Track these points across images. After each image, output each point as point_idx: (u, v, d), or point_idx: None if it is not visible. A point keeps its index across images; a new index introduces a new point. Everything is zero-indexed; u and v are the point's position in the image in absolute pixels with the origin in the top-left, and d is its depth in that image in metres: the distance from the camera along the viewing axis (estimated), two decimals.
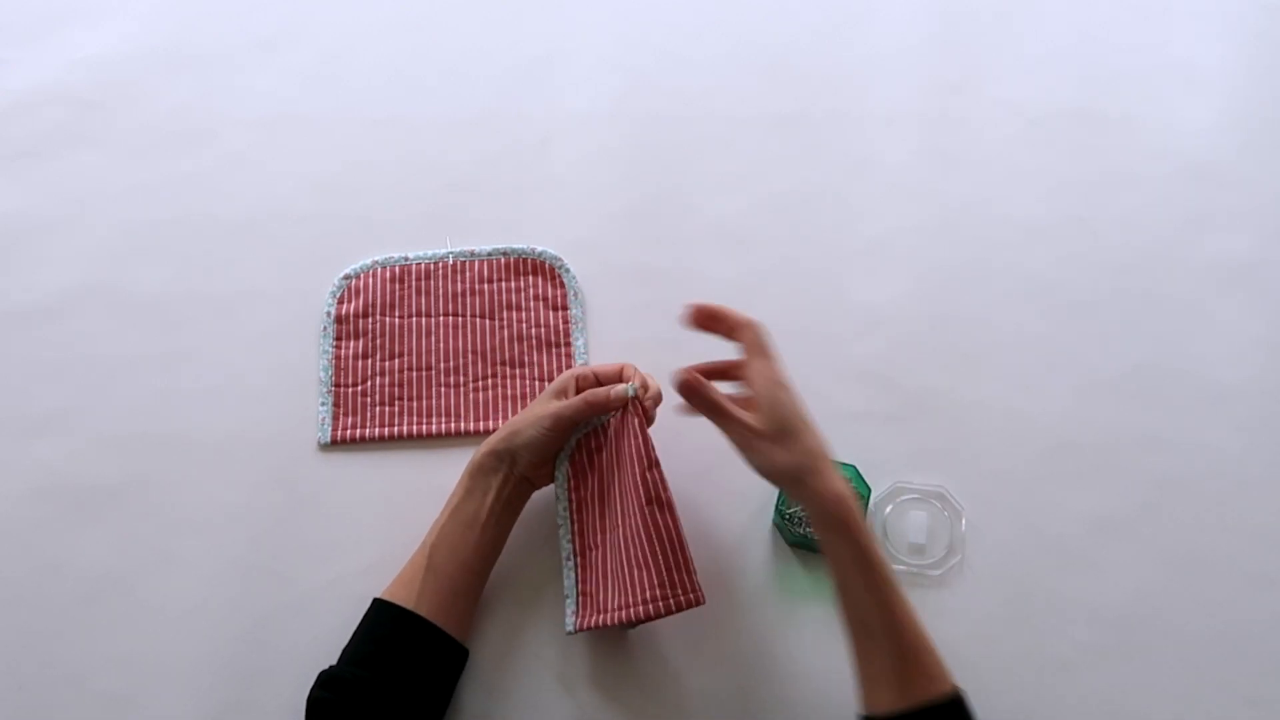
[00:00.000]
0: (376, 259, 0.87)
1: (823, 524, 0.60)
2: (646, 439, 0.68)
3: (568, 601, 0.70)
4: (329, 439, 0.80)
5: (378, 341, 0.84)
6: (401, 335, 0.84)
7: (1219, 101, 0.95)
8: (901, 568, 0.74)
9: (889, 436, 0.80)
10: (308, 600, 0.74)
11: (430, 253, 0.87)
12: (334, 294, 0.85)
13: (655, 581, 0.64)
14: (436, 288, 0.86)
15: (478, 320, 0.85)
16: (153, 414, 0.81)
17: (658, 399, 0.72)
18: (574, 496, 0.72)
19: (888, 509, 0.76)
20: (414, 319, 0.85)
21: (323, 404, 0.81)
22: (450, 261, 0.87)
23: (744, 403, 0.64)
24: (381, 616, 0.67)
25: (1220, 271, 0.87)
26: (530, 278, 0.86)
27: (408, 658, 0.65)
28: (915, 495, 0.77)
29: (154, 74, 0.97)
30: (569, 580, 0.70)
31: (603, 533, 0.70)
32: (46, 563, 0.76)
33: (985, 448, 0.79)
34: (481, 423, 0.81)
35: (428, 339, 0.84)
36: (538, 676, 0.71)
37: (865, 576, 0.58)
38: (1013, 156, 0.92)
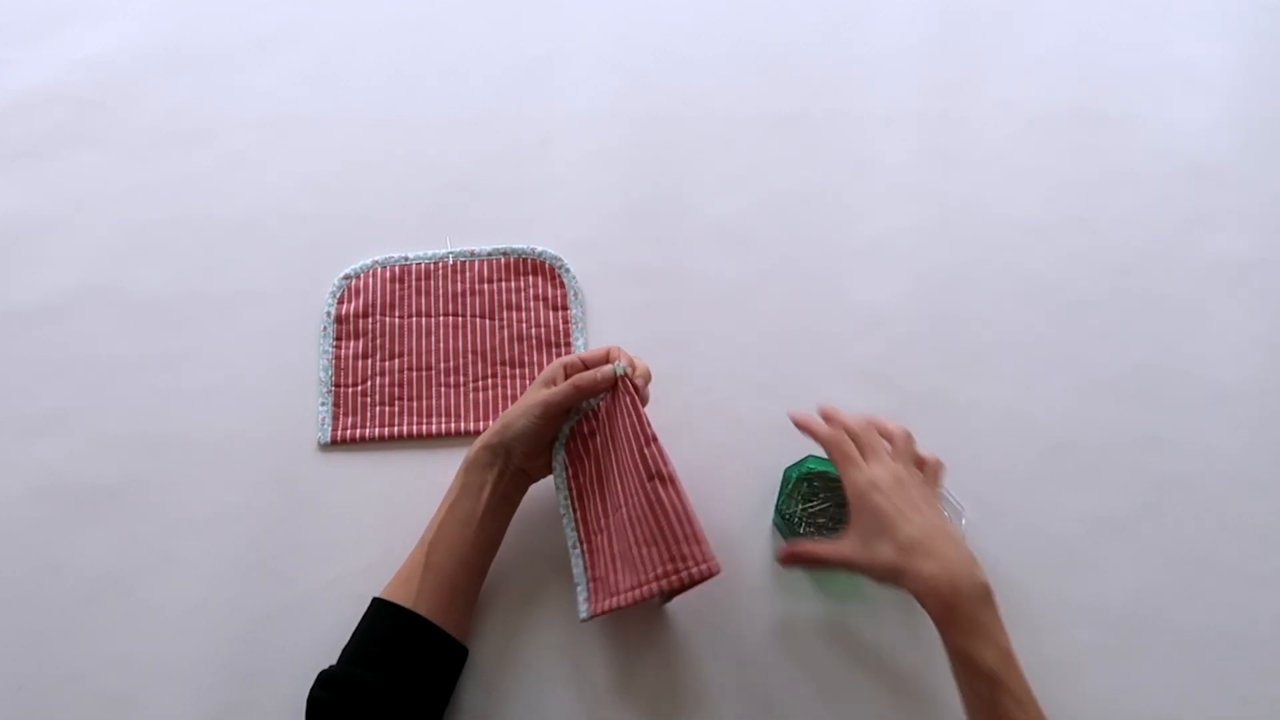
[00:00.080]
0: (376, 259, 0.87)
1: (930, 616, 0.61)
2: (641, 415, 0.67)
3: (579, 589, 0.69)
4: (329, 439, 0.80)
5: (378, 341, 0.84)
6: (401, 335, 0.84)
7: (1219, 101, 0.95)
8: None
9: None
10: (308, 600, 0.74)
11: (430, 253, 0.87)
12: (334, 294, 0.85)
13: (666, 555, 0.64)
14: (436, 288, 0.86)
15: (478, 320, 0.85)
16: (153, 414, 0.81)
17: (647, 376, 0.72)
18: (573, 484, 0.71)
19: None
20: (414, 319, 0.85)
21: (323, 404, 0.81)
22: (450, 261, 0.87)
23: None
24: (381, 616, 0.67)
25: (1220, 271, 0.87)
26: (530, 278, 0.86)
27: (408, 657, 0.65)
28: None
29: (154, 74, 0.97)
30: (578, 568, 0.70)
31: (606, 516, 0.70)
32: (46, 563, 0.76)
33: (985, 448, 0.79)
34: (481, 423, 0.81)
35: (428, 339, 0.84)
36: (537, 675, 0.71)
37: (966, 672, 0.59)
38: (1013, 156, 0.92)
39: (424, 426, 0.81)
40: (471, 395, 0.82)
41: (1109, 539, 0.76)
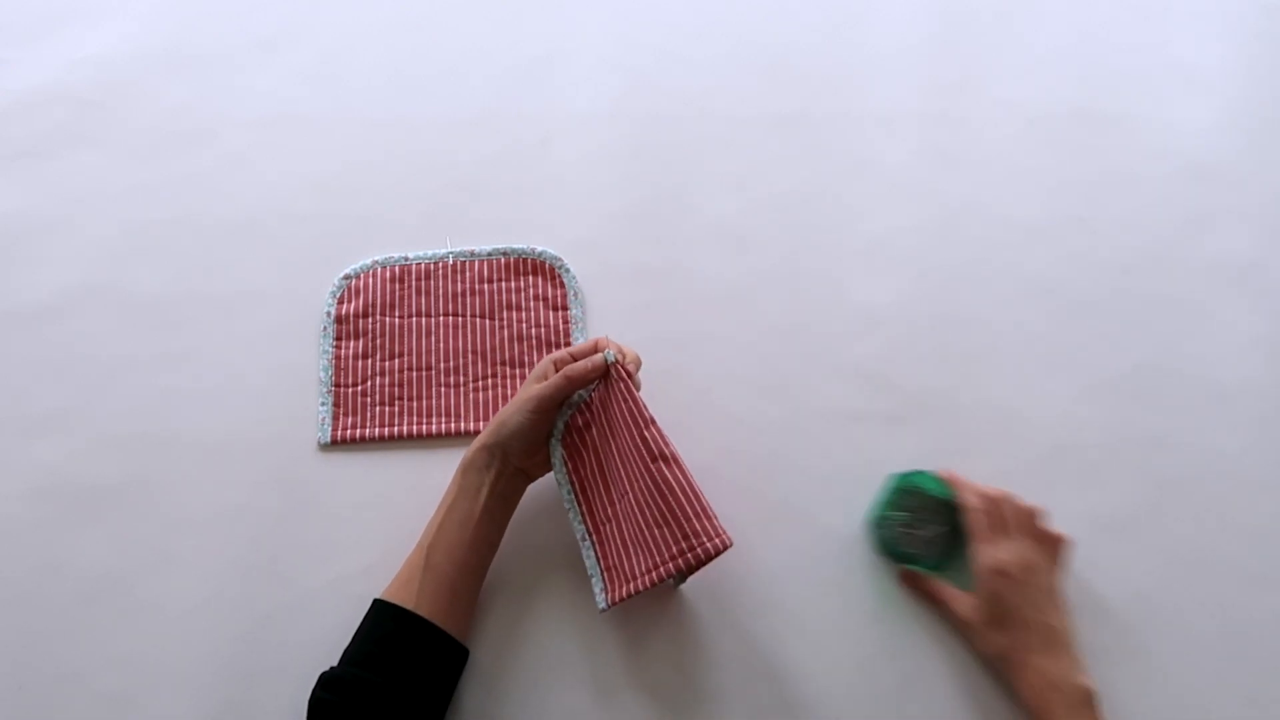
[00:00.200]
0: (376, 259, 0.87)
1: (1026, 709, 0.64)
2: (636, 399, 0.68)
3: (593, 581, 0.69)
4: (329, 439, 0.80)
5: (378, 341, 0.84)
6: (401, 335, 0.84)
7: (1219, 101, 0.95)
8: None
9: (889, 436, 0.80)
10: (308, 600, 0.74)
11: (430, 253, 0.87)
12: (334, 294, 0.85)
13: (679, 534, 0.64)
14: (436, 288, 0.86)
15: (478, 320, 0.85)
16: (153, 414, 0.81)
17: (637, 363, 0.72)
18: (574, 478, 0.72)
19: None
20: (414, 319, 0.85)
21: (323, 404, 0.81)
22: (450, 261, 0.87)
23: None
24: (382, 617, 0.67)
25: (1220, 271, 0.87)
26: (530, 278, 0.86)
27: (409, 658, 0.65)
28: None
29: (154, 74, 0.97)
30: (589, 560, 0.70)
31: (612, 504, 0.70)
32: (46, 563, 0.76)
33: (985, 448, 0.79)
34: (481, 423, 0.81)
35: (428, 339, 0.84)
36: (538, 675, 0.71)
37: None
38: (1013, 156, 0.92)
39: (424, 426, 0.81)
40: (471, 395, 0.82)
41: (1109, 539, 0.76)
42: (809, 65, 0.97)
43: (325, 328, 0.84)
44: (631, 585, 0.66)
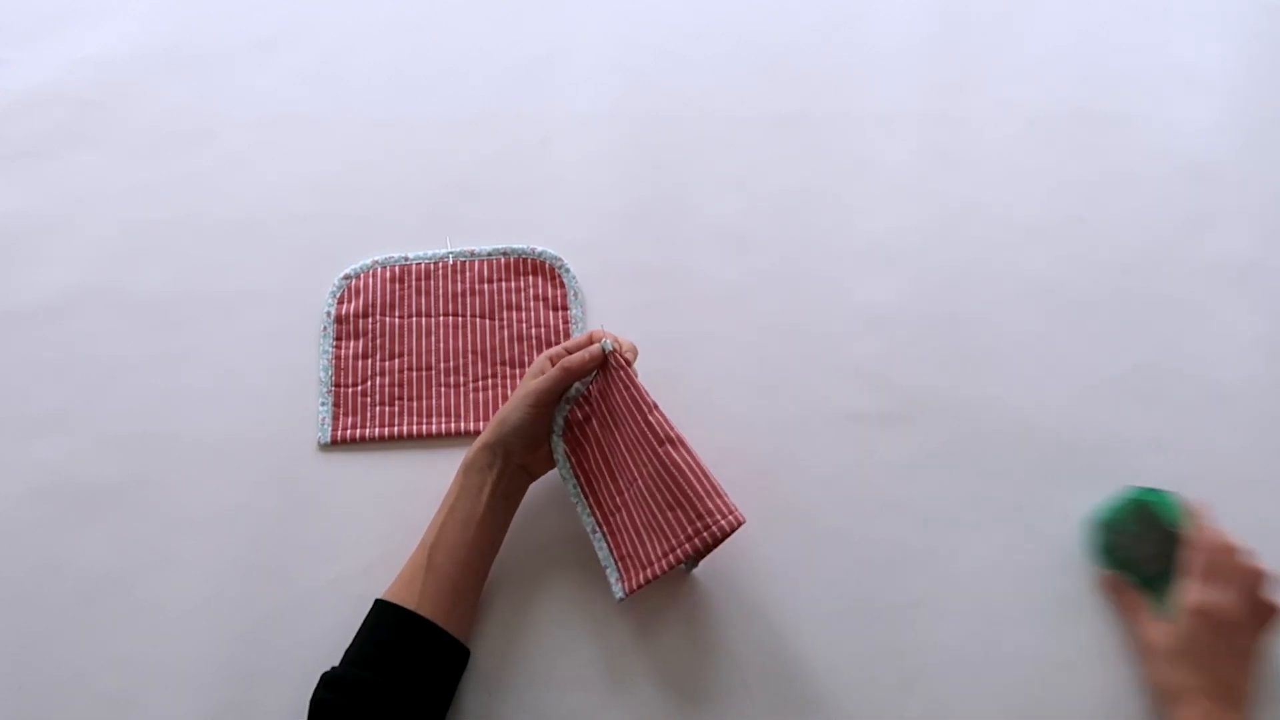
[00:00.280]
0: (376, 259, 0.87)
1: None
2: (638, 386, 0.68)
3: (608, 572, 0.69)
4: (329, 439, 0.80)
5: (378, 341, 0.84)
6: (401, 335, 0.84)
7: (1219, 101, 0.95)
8: None
9: (889, 436, 0.80)
10: (308, 600, 0.74)
11: (430, 253, 0.87)
12: (334, 294, 0.85)
13: (693, 515, 0.65)
14: (436, 288, 0.86)
15: (478, 320, 0.85)
16: (153, 414, 0.81)
17: (634, 352, 0.72)
18: (579, 471, 0.72)
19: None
20: (414, 319, 0.85)
21: (323, 404, 0.81)
22: (450, 261, 0.87)
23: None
24: (384, 617, 0.67)
25: (1220, 271, 0.87)
26: (530, 278, 0.86)
27: (410, 659, 0.65)
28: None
29: (154, 74, 0.97)
30: (602, 552, 0.70)
31: (621, 493, 0.70)
32: (46, 563, 0.76)
33: (986, 448, 0.79)
34: (481, 423, 0.81)
35: (428, 339, 0.84)
36: (539, 675, 0.71)
37: None
38: (1013, 156, 0.92)
39: (424, 426, 0.81)
40: (471, 395, 0.82)
41: None
42: (809, 65, 0.97)
43: (325, 328, 0.84)
44: (648, 571, 0.67)
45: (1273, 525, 0.76)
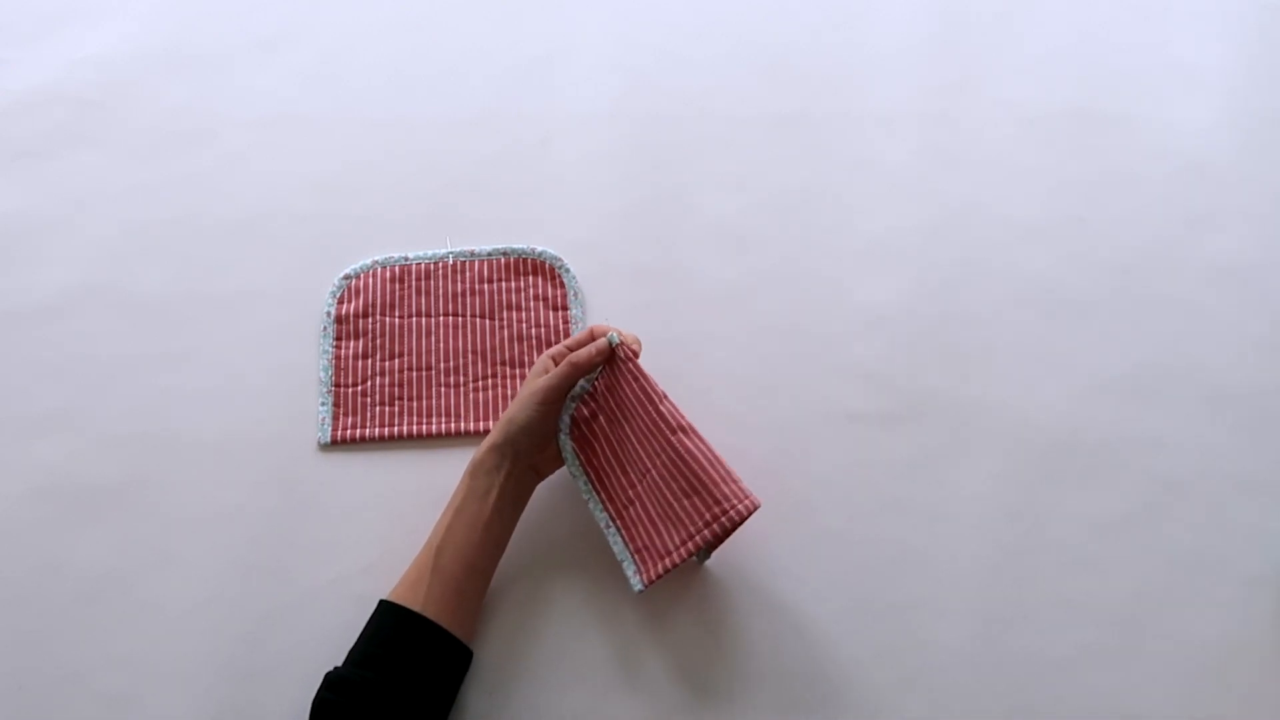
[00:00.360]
0: (376, 259, 0.87)
1: None
2: (646, 377, 0.69)
3: (625, 566, 0.69)
4: (329, 439, 0.80)
5: (378, 341, 0.84)
6: (401, 335, 0.84)
7: (1219, 101, 0.95)
8: None
9: (889, 436, 0.80)
10: (308, 600, 0.74)
11: (430, 253, 0.87)
12: (334, 294, 0.85)
13: (710, 500, 0.65)
14: (436, 288, 0.86)
15: (478, 320, 0.85)
16: (153, 414, 0.81)
17: (638, 343, 0.73)
18: (589, 468, 0.72)
19: None
20: (414, 319, 0.85)
21: (323, 404, 0.81)
22: (450, 261, 0.87)
23: None
24: (388, 619, 0.66)
25: (1220, 271, 0.87)
26: (530, 278, 0.86)
27: (414, 660, 0.65)
28: None
29: (154, 74, 0.97)
30: (617, 546, 0.70)
31: (632, 486, 0.70)
32: (46, 563, 0.76)
33: (985, 448, 0.79)
34: (481, 423, 0.81)
35: (428, 339, 0.84)
36: (541, 676, 0.71)
37: None
38: (1012, 156, 0.92)
39: (424, 426, 0.81)
40: (471, 395, 0.82)
41: (1109, 539, 0.76)
42: (809, 65, 0.97)
43: (325, 328, 0.84)
44: (667, 560, 0.67)
45: (1273, 525, 0.76)
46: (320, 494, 0.78)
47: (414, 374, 0.83)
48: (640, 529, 0.69)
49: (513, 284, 0.86)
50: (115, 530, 0.77)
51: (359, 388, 0.82)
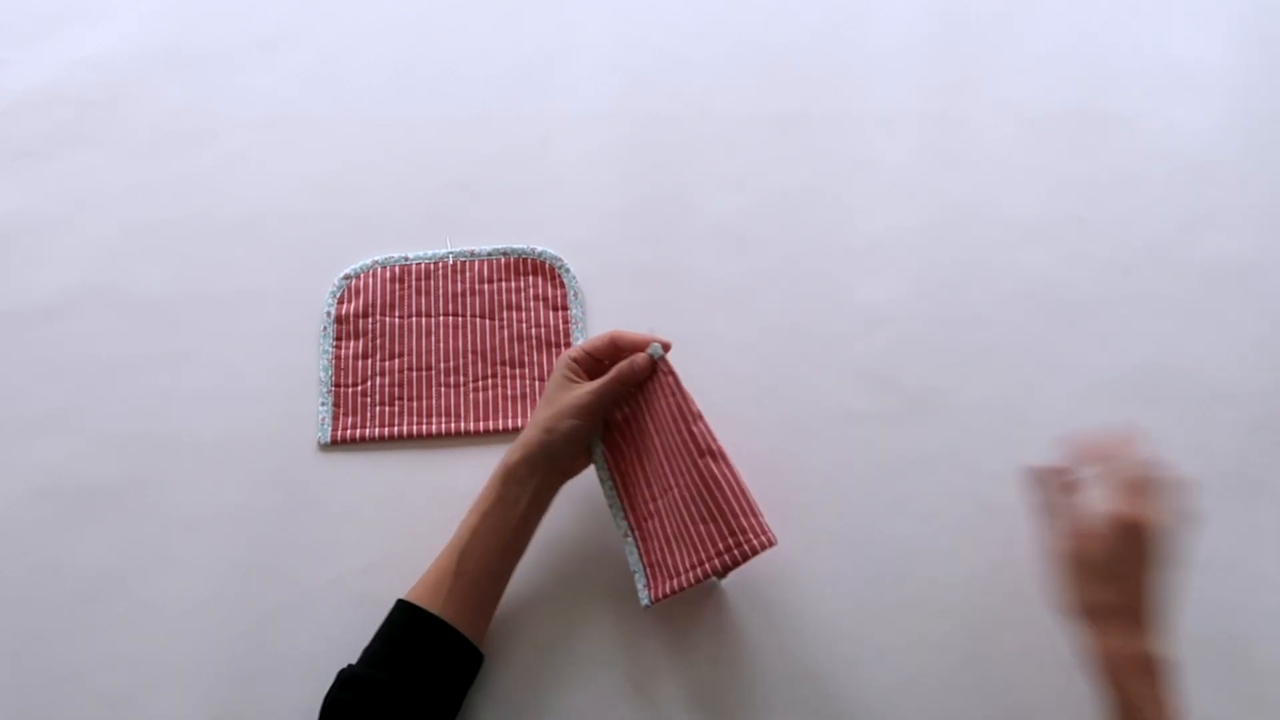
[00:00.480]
0: (376, 259, 0.87)
1: (1097, 675, 0.62)
2: (685, 394, 0.68)
3: (636, 577, 0.69)
4: (329, 439, 0.80)
5: (378, 341, 0.84)
6: (401, 335, 0.84)
7: (1219, 101, 0.95)
8: None
9: (889, 436, 0.80)
10: (308, 600, 0.74)
11: (430, 253, 0.87)
12: (334, 294, 0.85)
13: (726, 530, 0.65)
14: (436, 288, 0.86)
15: (478, 320, 0.85)
16: (153, 414, 0.81)
17: (667, 347, 0.72)
18: (616, 474, 0.71)
19: None
20: (414, 319, 0.85)
21: (323, 404, 0.81)
22: (450, 261, 0.87)
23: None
24: (406, 619, 0.66)
25: (1220, 271, 0.87)
26: (530, 278, 0.86)
27: (429, 663, 0.65)
28: None
29: (154, 74, 0.97)
30: (632, 556, 0.70)
31: (654, 499, 0.69)
32: (46, 563, 0.76)
33: (985, 448, 0.79)
34: (481, 423, 0.81)
35: (428, 339, 0.84)
36: (548, 679, 0.71)
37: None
38: (1013, 156, 0.92)
39: (424, 426, 0.81)
40: (471, 395, 0.82)
41: None
42: (809, 65, 0.97)
43: (325, 328, 0.84)
44: (675, 581, 0.66)
45: (1273, 526, 0.76)
46: (320, 494, 0.78)
47: (414, 374, 0.83)
48: (655, 543, 0.69)
49: (513, 284, 0.86)
50: (115, 530, 0.77)
51: (359, 388, 0.82)
